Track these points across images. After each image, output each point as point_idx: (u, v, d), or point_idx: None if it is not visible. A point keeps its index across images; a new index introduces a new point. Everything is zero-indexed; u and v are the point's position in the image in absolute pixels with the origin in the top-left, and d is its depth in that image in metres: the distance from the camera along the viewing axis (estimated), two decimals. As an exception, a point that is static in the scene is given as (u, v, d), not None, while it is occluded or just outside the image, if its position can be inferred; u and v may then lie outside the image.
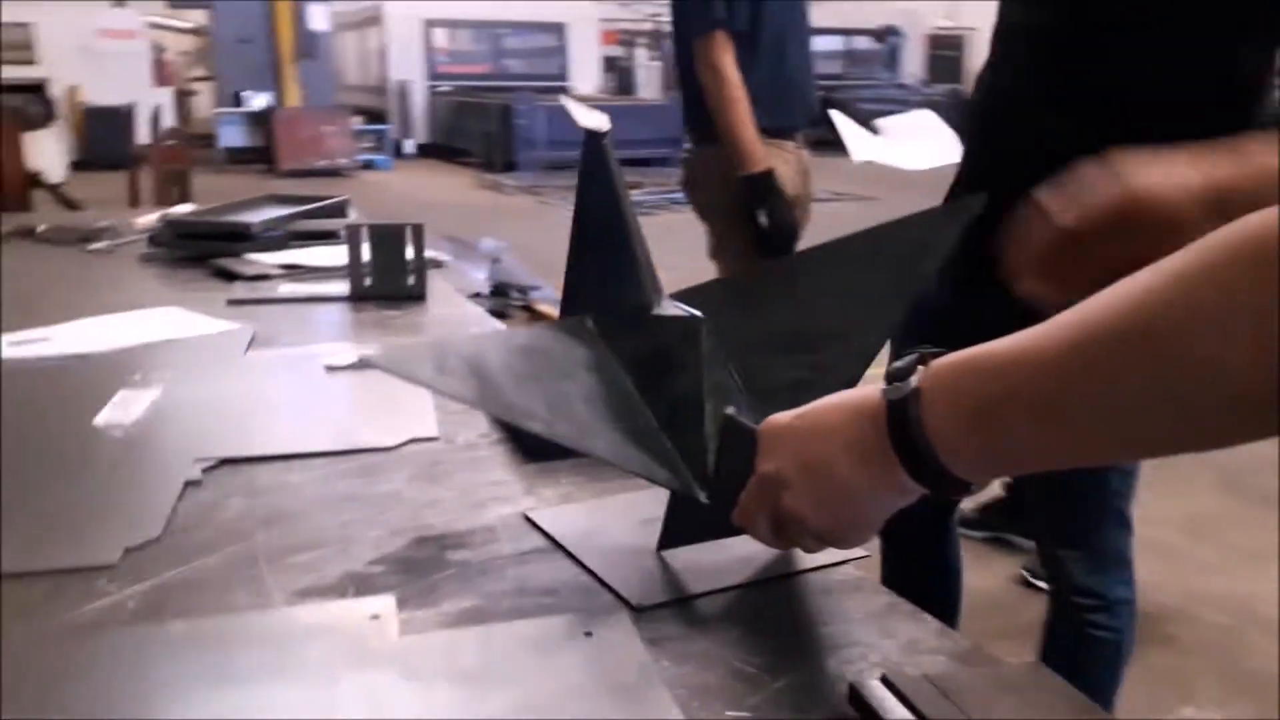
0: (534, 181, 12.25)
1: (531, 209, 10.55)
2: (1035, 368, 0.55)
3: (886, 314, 0.86)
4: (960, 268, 1.07)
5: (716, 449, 0.80)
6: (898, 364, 0.62)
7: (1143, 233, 0.83)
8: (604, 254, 0.88)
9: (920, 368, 0.61)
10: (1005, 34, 1.49)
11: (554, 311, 3.90)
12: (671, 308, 0.87)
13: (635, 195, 10.70)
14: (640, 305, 0.86)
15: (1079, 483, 1.54)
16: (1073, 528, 1.59)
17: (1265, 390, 0.47)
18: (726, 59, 2.58)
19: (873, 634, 0.75)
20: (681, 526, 0.85)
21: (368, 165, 13.96)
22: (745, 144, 2.57)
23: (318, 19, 14.45)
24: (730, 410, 0.78)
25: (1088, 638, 1.58)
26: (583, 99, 14.95)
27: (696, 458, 0.81)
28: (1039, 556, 1.73)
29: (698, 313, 0.86)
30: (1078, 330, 0.54)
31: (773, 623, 0.77)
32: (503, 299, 4.98)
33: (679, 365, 0.82)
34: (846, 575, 0.84)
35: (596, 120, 0.87)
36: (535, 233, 7.71)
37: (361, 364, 1.42)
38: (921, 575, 1.84)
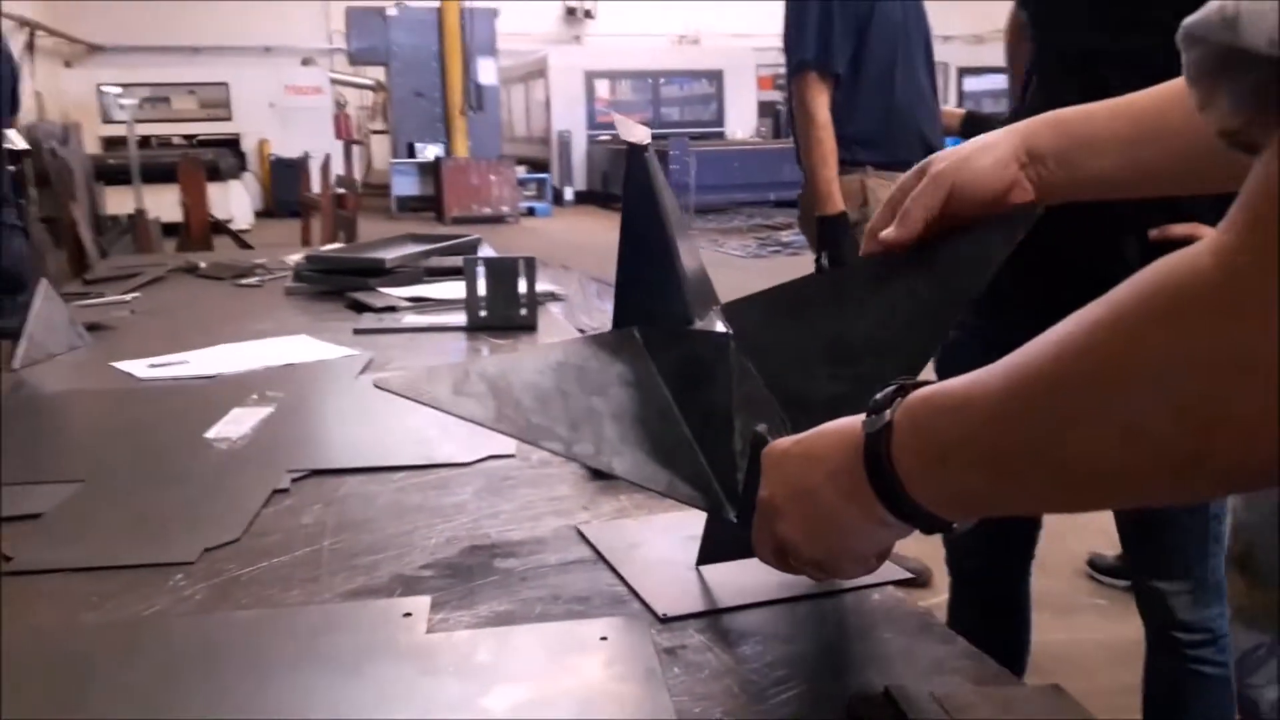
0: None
1: (684, 252, 10.63)
2: (979, 411, 0.52)
3: (932, 328, 0.84)
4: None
5: (746, 467, 0.79)
6: (879, 395, 0.60)
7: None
8: (649, 266, 0.90)
9: (898, 399, 0.58)
10: (1061, 65, 1.41)
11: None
12: (711, 321, 0.88)
13: (784, 235, 10.67)
14: (680, 317, 0.87)
15: (1175, 509, 1.44)
16: (1172, 558, 1.49)
17: (1194, 451, 0.42)
18: (816, 99, 2.59)
19: (896, 653, 0.73)
20: (718, 543, 0.84)
21: (529, 212, 14.42)
22: (822, 184, 2.58)
23: (486, 73, 15.09)
24: (761, 428, 0.78)
25: (1194, 674, 1.48)
26: (738, 143, 15.00)
27: (727, 474, 0.81)
28: (1134, 592, 1.62)
29: (727, 329, 0.86)
30: (1016, 374, 0.50)
31: (796, 639, 0.76)
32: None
33: (710, 379, 0.82)
34: (886, 596, 0.82)
35: (639, 134, 0.89)
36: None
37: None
38: (986, 616, 1.77)
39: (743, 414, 0.80)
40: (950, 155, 0.82)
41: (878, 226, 0.85)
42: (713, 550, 0.85)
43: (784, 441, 0.68)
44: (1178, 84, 0.76)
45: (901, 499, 0.57)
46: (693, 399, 0.85)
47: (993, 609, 1.79)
